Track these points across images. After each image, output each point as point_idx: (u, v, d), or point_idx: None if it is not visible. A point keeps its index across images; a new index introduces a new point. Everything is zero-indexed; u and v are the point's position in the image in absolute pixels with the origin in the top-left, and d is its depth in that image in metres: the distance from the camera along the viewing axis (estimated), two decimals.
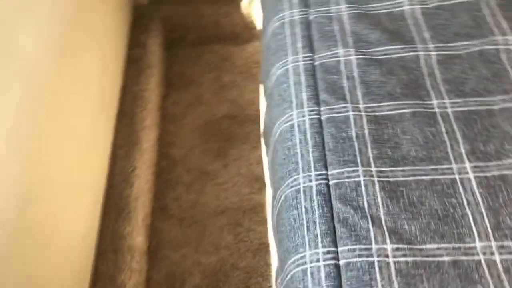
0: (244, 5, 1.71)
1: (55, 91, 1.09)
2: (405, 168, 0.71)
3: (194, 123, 1.60)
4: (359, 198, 0.69)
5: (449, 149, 0.72)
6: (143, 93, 1.53)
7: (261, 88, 1.34)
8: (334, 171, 0.72)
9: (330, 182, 0.71)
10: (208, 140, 1.57)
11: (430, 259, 0.62)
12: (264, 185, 1.46)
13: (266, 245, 1.36)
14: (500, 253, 0.62)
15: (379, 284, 0.61)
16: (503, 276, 0.60)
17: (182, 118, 1.62)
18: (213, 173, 1.50)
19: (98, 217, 1.27)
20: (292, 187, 0.73)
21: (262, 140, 1.05)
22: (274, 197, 0.79)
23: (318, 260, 0.64)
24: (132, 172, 1.38)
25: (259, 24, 1.72)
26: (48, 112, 1.05)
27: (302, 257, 0.66)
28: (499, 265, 0.61)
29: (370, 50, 0.85)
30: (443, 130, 0.74)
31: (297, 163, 0.75)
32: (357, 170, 0.71)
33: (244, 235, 1.38)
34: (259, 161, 1.51)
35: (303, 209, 0.70)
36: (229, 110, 1.62)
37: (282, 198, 0.74)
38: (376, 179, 0.70)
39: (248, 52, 1.74)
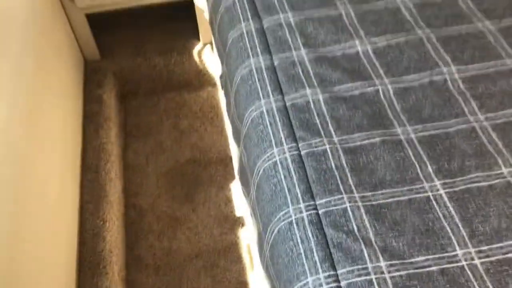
0: (196, 52, 1.79)
1: (25, 153, 1.09)
2: (384, 191, 0.79)
3: (158, 171, 1.63)
4: (348, 223, 0.75)
5: (419, 170, 0.81)
6: (104, 146, 1.55)
7: (229, 130, 1.39)
8: (322, 201, 0.78)
9: (320, 212, 0.77)
10: (174, 186, 1.59)
11: (421, 270, 0.69)
12: (236, 224, 1.50)
13: (244, 283, 1.39)
14: (479, 258, 0.70)
15: None
16: (485, 277, 0.68)
17: (145, 167, 1.64)
18: (182, 218, 1.52)
19: (74, 276, 1.25)
20: (284, 220, 0.78)
21: (238, 179, 1.10)
22: (264, 232, 0.84)
23: (321, 285, 0.69)
24: (103, 226, 1.37)
25: (211, 71, 1.79)
26: (21, 175, 1.04)
27: (305, 284, 0.71)
28: (480, 268, 0.69)
29: (334, 88, 0.94)
30: (411, 154, 0.83)
31: (285, 197, 0.80)
32: (342, 198, 0.78)
33: (222, 275, 1.40)
34: (227, 202, 1.55)
35: (299, 239, 0.75)
36: (191, 155, 1.66)
37: (275, 231, 0.79)
38: (360, 204, 0.77)
39: (202, 98, 1.81)
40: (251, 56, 1.02)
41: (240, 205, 1.51)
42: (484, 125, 0.86)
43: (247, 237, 1.44)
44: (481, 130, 0.86)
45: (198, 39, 1.84)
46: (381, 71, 0.96)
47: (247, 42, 1.06)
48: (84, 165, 1.48)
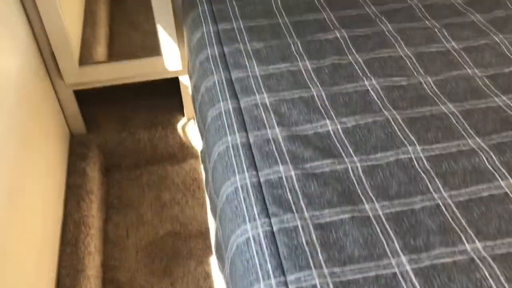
0: (180, 127, 1.85)
1: (3, 224, 1.10)
2: (352, 267, 0.81)
3: (138, 244, 1.62)
4: None
5: (386, 247, 0.84)
6: (85, 219, 1.55)
7: (208, 203, 1.42)
8: (292, 277, 0.80)
9: None
10: (153, 259, 1.59)
11: None
12: None
13: None
14: None
15: None
16: None
17: (125, 240, 1.64)
18: None
19: None
20: None
21: (214, 254, 1.12)
22: None
23: None
24: None
25: (195, 144, 1.85)
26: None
27: None
28: None
29: (306, 165, 0.99)
30: (378, 230, 0.86)
31: (257, 273, 0.82)
32: (312, 274, 0.80)
33: None
34: (206, 276, 1.54)
35: None
36: (171, 228, 1.66)
37: None
38: (329, 279, 0.79)
39: (185, 170, 1.84)
40: (228, 134, 1.07)
41: (218, 280, 1.51)
42: (448, 202, 0.90)
43: None
44: (445, 207, 0.90)
45: (183, 114, 1.91)
46: (350, 150, 1.01)
47: (225, 120, 1.11)
48: (63, 237, 1.48)
